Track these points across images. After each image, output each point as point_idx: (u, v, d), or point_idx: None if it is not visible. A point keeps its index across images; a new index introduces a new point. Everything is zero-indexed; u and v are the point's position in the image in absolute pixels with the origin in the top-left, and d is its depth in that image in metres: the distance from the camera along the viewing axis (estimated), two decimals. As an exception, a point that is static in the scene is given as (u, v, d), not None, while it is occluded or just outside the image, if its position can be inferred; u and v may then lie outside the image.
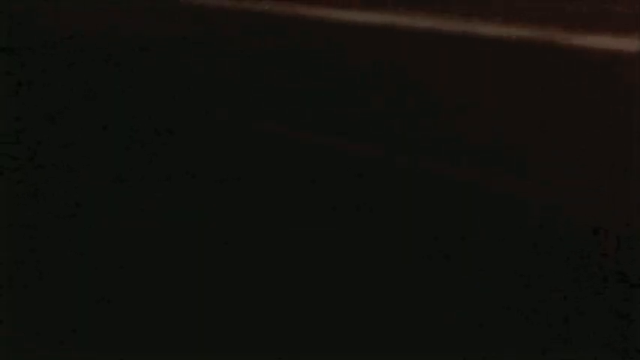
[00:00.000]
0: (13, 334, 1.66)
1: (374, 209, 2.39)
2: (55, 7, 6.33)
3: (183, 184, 2.62)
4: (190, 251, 2.08)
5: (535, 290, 1.88)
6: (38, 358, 1.58)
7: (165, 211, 2.38)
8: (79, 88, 4.17)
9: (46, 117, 3.52)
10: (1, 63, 4.84)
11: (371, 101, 3.59)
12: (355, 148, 2.95)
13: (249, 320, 1.72)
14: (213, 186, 2.61)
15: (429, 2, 5.82)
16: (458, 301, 1.82)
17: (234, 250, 2.09)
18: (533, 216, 2.35)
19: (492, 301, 1.82)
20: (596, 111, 3.34)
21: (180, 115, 3.57)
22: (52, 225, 2.26)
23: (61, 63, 4.88)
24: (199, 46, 4.95)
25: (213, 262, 2.01)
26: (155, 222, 2.29)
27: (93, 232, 2.21)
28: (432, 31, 4.80)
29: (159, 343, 1.63)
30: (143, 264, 2.00)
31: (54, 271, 1.96)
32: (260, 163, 2.85)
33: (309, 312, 1.76)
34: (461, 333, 1.68)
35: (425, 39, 4.67)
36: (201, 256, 2.05)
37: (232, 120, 3.49)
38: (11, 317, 1.73)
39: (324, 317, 1.74)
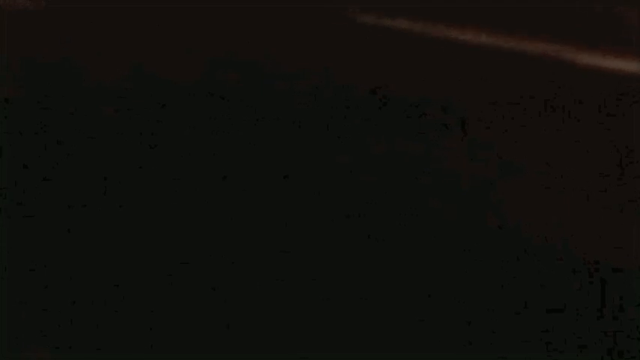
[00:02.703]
0: (13, 334, 1.66)
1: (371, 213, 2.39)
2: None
3: (183, 184, 2.62)
4: (190, 251, 2.08)
5: (535, 290, 1.88)
6: (38, 358, 1.58)
7: (165, 211, 2.38)
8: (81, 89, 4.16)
9: (46, 116, 3.51)
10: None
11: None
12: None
13: (249, 320, 1.72)
14: (212, 186, 2.61)
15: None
16: (457, 301, 1.81)
17: (233, 250, 2.09)
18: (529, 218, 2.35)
19: (492, 301, 1.82)
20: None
21: (177, 115, 3.57)
22: (52, 225, 2.26)
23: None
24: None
25: (213, 262, 2.01)
26: (155, 222, 2.29)
27: (93, 232, 2.21)
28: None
29: (159, 343, 1.63)
30: (143, 264, 2.00)
31: (54, 271, 1.96)
32: (260, 164, 2.85)
33: (308, 311, 1.76)
34: (461, 333, 1.68)
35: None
36: (201, 256, 2.05)
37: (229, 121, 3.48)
38: (11, 317, 1.73)
39: (323, 317, 1.74)
